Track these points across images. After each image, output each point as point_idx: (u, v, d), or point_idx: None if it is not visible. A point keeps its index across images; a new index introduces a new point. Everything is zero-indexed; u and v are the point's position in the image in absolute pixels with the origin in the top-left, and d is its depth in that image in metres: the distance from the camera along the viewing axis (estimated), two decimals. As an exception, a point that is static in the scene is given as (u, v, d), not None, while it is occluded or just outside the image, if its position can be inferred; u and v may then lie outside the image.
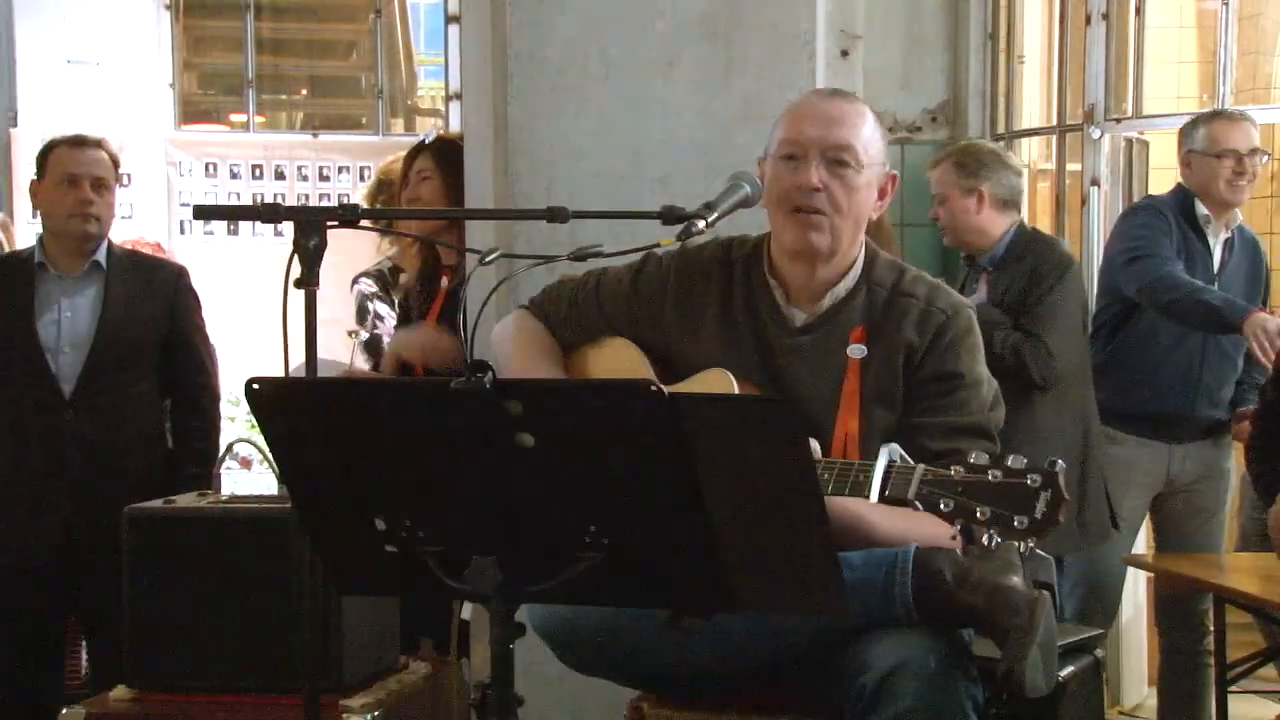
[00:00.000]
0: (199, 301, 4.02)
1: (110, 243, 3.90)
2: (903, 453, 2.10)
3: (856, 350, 2.46)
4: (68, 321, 3.79)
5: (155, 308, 3.88)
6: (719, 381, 2.48)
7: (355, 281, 4.65)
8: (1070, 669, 2.99)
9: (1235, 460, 4.37)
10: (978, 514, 1.99)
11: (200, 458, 3.84)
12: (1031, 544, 2.01)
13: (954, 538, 2.12)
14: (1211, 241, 4.23)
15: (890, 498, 2.08)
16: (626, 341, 2.66)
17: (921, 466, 2.06)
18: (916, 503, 2.04)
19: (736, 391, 2.43)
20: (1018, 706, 2.62)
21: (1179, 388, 4.21)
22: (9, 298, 3.80)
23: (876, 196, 2.51)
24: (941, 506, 2.02)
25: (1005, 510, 1.98)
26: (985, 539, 2.03)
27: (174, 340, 3.91)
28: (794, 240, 2.47)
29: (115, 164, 3.92)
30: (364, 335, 4.41)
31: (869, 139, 2.47)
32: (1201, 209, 4.22)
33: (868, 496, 2.09)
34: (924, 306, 2.48)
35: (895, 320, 2.47)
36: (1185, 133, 4.32)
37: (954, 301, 2.51)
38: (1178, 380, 4.20)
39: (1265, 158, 4.22)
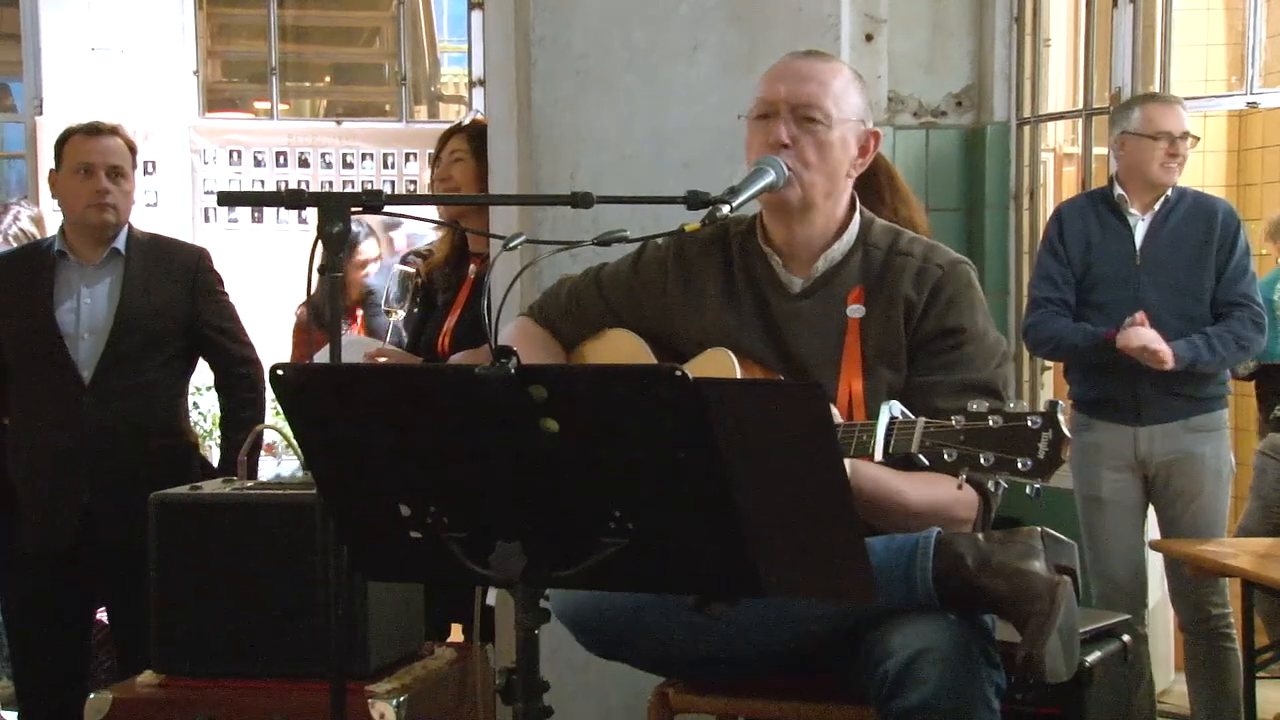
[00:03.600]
0: (221, 279, 3.98)
1: (131, 228, 3.88)
2: (903, 408, 2.10)
3: (855, 310, 2.47)
4: (86, 308, 3.78)
5: (175, 291, 3.86)
6: (719, 360, 2.49)
7: (400, 260, 4.68)
8: (1097, 655, 2.98)
9: (1228, 443, 4.36)
10: (981, 460, 2.01)
11: (249, 405, 3.89)
12: (1039, 485, 2.02)
13: (960, 487, 2.12)
14: (1132, 221, 4.34)
15: (895, 455, 2.09)
16: (626, 331, 2.67)
17: (922, 420, 2.06)
18: (921, 456, 2.05)
19: (737, 368, 2.45)
20: (1043, 692, 2.61)
21: (1119, 372, 4.25)
22: (30, 287, 3.80)
23: (856, 154, 2.51)
24: (945, 457, 2.03)
25: (1009, 454, 1.99)
26: (992, 485, 2.06)
27: (201, 321, 3.88)
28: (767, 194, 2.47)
29: (133, 150, 3.89)
30: (401, 314, 4.42)
31: (840, 94, 2.47)
32: (1117, 189, 4.36)
33: (872, 455, 2.10)
34: (920, 264, 2.49)
35: (893, 278, 2.48)
36: (1119, 114, 4.45)
37: (951, 258, 2.51)
38: (1114, 365, 4.23)
39: (1194, 142, 4.34)
